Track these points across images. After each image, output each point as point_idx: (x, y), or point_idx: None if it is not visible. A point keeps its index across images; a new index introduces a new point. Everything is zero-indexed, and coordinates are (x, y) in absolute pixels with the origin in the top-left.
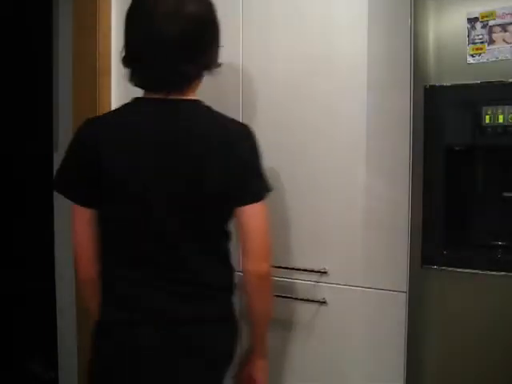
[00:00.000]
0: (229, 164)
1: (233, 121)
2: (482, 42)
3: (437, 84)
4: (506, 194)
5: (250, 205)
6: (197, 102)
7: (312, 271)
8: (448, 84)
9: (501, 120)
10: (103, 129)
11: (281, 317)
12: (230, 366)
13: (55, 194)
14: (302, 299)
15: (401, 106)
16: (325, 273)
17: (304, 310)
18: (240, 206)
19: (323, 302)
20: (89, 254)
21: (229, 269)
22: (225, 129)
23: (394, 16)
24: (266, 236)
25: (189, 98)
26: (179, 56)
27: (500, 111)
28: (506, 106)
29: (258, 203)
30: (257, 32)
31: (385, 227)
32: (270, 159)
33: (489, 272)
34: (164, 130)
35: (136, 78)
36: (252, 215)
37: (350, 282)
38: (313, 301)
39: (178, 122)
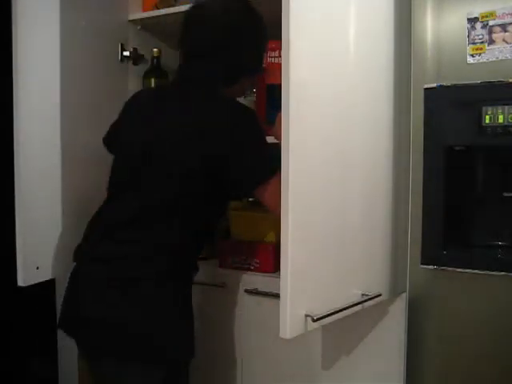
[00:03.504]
0: None
1: None
2: (482, 42)
3: (437, 84)
4: (506, 194)
5: None
6: None
7: None
8: (448, 84)
9: (501, 120)
10: None
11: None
12: None
13: None
14: None
15: (400, 107)
16: None
17: None
18: None
19: None
20: None
21: None
22: None
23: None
24: None
25: None
26: None
27: (500, 111)
28: (506, 106)
29: None
30: None
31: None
32: None
33: (489, 272)
34: None
35: None
36: None
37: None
38: None
39: None
